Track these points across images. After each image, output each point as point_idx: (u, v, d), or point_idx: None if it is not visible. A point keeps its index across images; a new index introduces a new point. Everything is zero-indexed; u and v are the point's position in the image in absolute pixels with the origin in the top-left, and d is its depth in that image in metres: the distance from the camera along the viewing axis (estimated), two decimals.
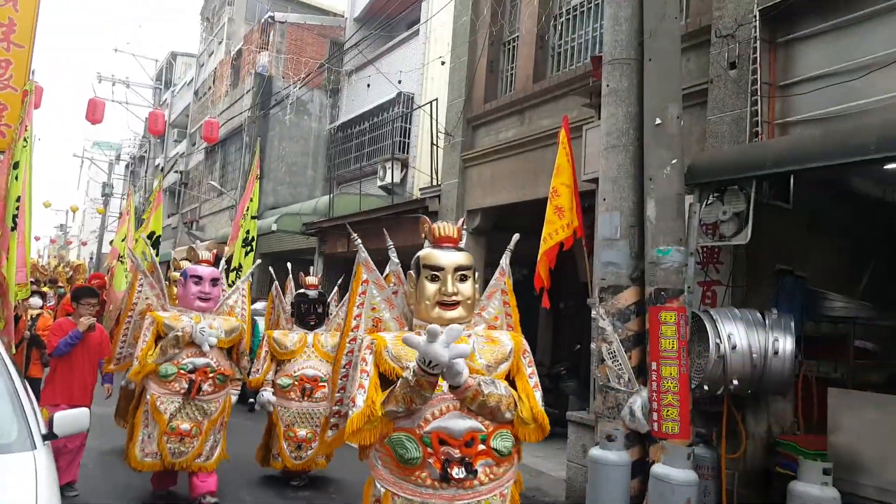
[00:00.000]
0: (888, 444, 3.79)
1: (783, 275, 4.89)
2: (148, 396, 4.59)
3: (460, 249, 2.76)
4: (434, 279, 2.62)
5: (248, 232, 9.11)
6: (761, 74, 4.96)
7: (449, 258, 2.65)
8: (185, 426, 4.57)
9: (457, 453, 2.35)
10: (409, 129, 12.09)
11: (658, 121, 4.59)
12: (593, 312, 4.92)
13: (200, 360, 4.64)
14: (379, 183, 11.86)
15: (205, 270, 4.75)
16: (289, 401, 5.36)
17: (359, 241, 3.10)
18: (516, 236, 3.22)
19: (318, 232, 12.43)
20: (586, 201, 5.81)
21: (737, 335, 4.35)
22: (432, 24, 11.10)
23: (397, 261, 2.94)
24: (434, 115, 10.05)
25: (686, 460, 4.13)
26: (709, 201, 4.61)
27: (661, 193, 4.56)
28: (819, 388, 4.66)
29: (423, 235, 2.83)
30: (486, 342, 2.66)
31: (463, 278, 2.64)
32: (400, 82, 11.74)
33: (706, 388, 4.47)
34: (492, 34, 8.85)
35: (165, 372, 4.55)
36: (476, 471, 2.37)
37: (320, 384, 5.26)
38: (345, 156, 14.70)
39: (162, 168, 25.52)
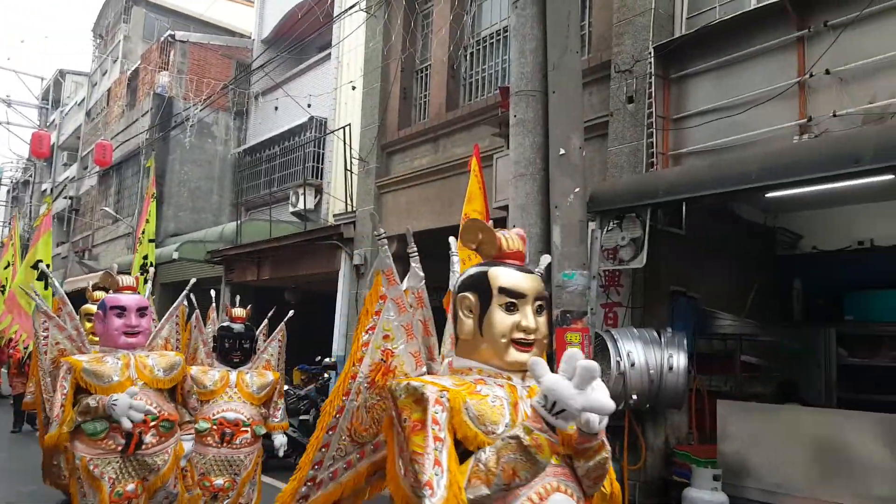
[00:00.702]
0: (770, 449, 4.12)
1: (677, 296, 5.25)
2: (77, 462, 3.68)
3: (530, 271, 1.97)
4: (511, 309, 1.85)
5: (145, 257, 8.57)
6: (656, 108, 5.35)
7: (530, 283, 1.88)
8: (130, 486, 3.74)
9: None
10: (323, 154, 12.02)
11: (562, 151, 4.85)
12: None
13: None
14: (291, 209, 11.67)
15: (129, 299, 3.98)
16: (205, 447, 4.64)
17: (383, 232, 2.40)
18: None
19: (224, 260, 12.03)
20: (498, 227, 5.99)
21: (635, 353, 4.62)
22: (344, 47, 11.16)
23: (421, 273, 2.27)
24: (348, 141, 10.06)
25: None
26: (609, 227, 4.90)
27: (565, 220, 4.80)
28: (711, 401, 5.01)
29: (472, 245, 2.02)
30: None
31: (540, 310, 1.90)
32: (310, 106, 11.68)
33: None
34: (404, 61, 9.02)
35: (94, 430, 3.66)
36: None
37: (242, 429, 4.62)
38: (254, 180, 14.36)
39: (50, 192, 23.95)
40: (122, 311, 3.88)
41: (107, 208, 17.87)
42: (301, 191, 11.35)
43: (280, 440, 4.85)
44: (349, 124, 10.13)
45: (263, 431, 4.40)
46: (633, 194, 4.71)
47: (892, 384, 5.25)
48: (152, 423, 3.80)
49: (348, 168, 9.98)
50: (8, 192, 33.25)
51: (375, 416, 2.09)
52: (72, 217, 21.53)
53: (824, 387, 5.82)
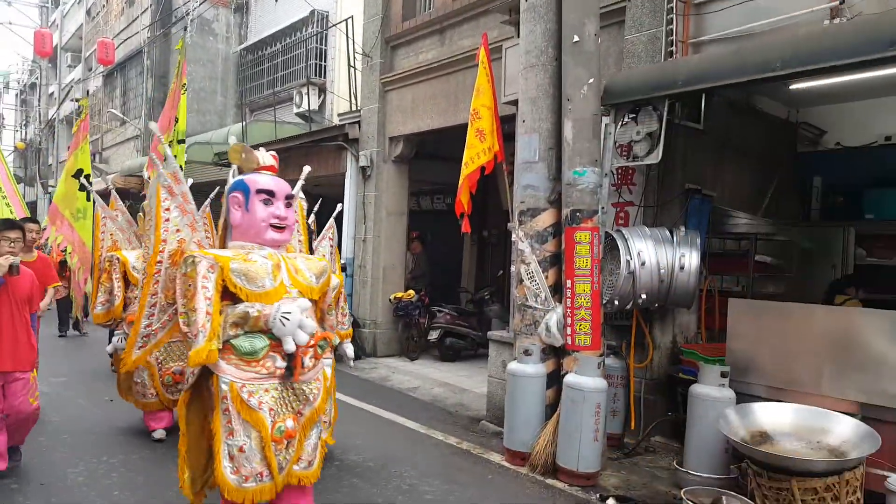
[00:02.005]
0: (779, 347, 4.08)
1: (692, 194, 5.06)
2: (224, 387, 2.77)
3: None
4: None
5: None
6: None
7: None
8: (290, 423, 2.88)
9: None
10: (325, 50, 11.51)
11: (576, 38, 4.53)
12: (513, 236, 4.97)
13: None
14: (295, 110, 11.33)
15: (277, 183, 3.04)
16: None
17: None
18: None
19: (223, 162, 11.86)
20: (507, 125, 5.75)
21: (646, 252, 4.51)
22: None
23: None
24: (350, 35, 9.59)
25: (597, 370, 4.33)
26: (624, 122, 4.65)
27: (578, 114, 4.56)
28: (721, 301, 4.94)
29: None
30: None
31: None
32: None
33: (617, 303, 4.66)
34: None
35: (251, 348, 2.80)
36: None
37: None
38: (257, 80, 13.90)
39: (64, 95, 23.50)
40: (270, 196, 2.97)
41: (114, 110, 17.53)
42: (304, 90, 10.98)
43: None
44: (351, 17, 9.62)
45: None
46: (650, 85, 4.43)
47: None
48: (310, 343, 2.94)
49: (351, 64, 9.57)
50: (16, 95, 32.70)
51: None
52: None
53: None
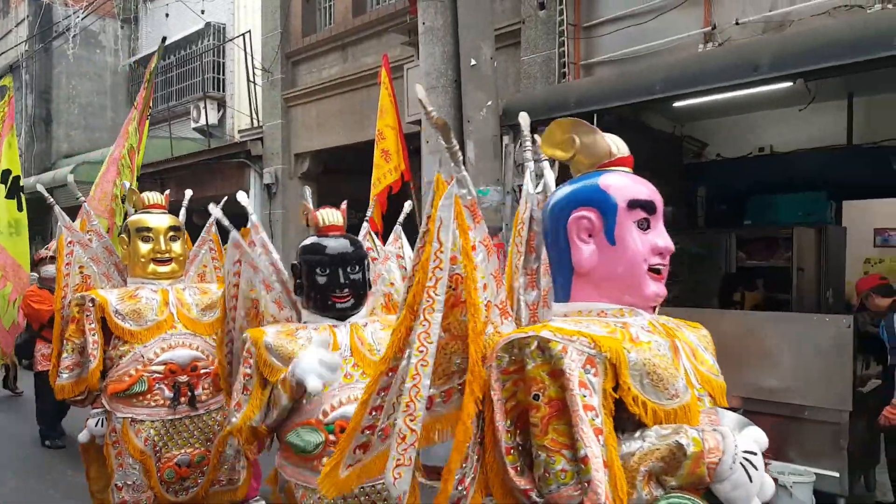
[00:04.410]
0: None
1: None
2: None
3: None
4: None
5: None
6: (567, 15, 5.23)
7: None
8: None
9: None
10: (223, 63, 11.22)
11: (473, 61, 4.68)
12: None
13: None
14: (193, 125, 10.96)
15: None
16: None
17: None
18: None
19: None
20: (412, 143, 5.85)
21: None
22: None
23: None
24: (249, 50, 9.40)
25: None
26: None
27: (479, 135, 4.71)
28: None
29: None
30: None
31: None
32: (203, 12, 10.77)
33: None
34: None
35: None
36: None
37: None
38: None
39: None
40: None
41: None
42: (202, 105, 10.65)
43: None
44: (249, 31, 9.43)
45: None
46: (545, 107, 4.65)
47: (786, 283, 5.63)
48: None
49: (251, 79, 9.39)
50: None
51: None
52: None
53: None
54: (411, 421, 1.38)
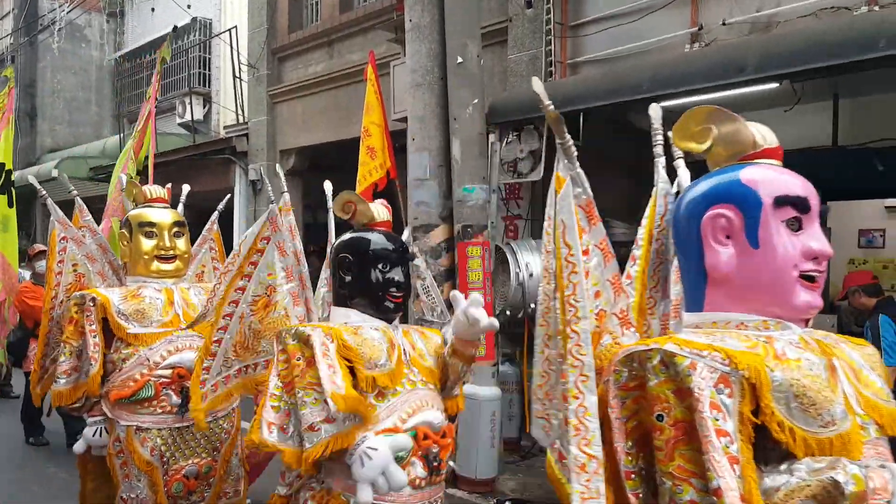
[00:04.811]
0: None
1: None
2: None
3: None
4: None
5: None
6: (554, 14, 5.21)
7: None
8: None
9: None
10: (209, 59, 11.12)
11: (459, 59, 4.66)
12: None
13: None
14: (178, 120, 10.85)
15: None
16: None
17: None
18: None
19: (109, 177, 11.18)
20: (398, 141, 5.81)
21: (534, 264, 4.70)
22: None
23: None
24: (235, 45, 9.32)
25: (491, 378, 4.50)
26: (508, 140, 4.83)
27: (465, 133, 4.68)
28: None
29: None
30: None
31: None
32: (189, 7, 10.68)
33: (509, 312, 4.83)
34: None
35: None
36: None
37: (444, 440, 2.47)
38: (135, 89, 13.17)
39: None
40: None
41: None
42: (188, 100, 10.55)
43: None
44: (235, 27, 9.35)
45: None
46: (531, 105, 4.62)
47: None
48: None
49: (237, 75, 9.30)
50: None
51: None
52: None
53: None
54: (586, 446, 1.19)
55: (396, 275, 2.01)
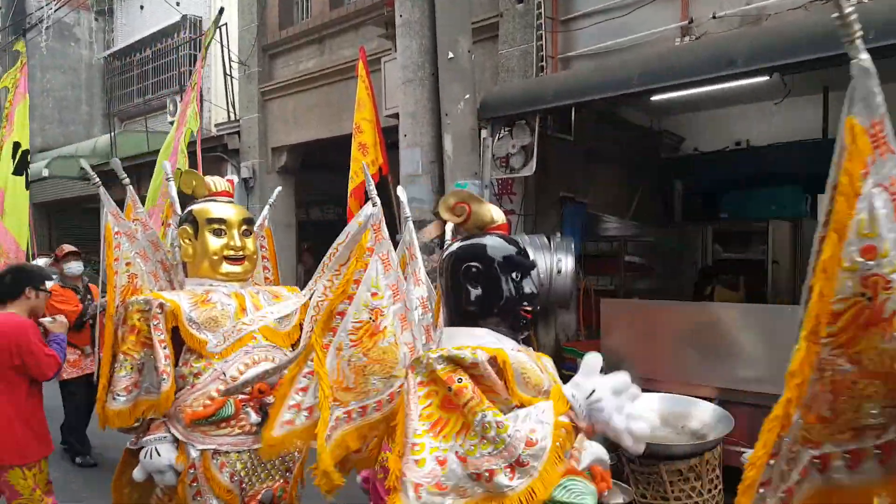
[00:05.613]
0: (647, 341, 4.40)
1: (566, 201, 5.35)
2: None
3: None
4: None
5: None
6: (545, 9, 5.21)
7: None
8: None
9: None
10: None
11: (450, 55, 4.65)
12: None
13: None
14: (169, 118, 10.78)
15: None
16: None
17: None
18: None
19: (100, 176, 11.10)
20: (390, 137, 5.80)
21: None
22: None
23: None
24: (226, 43, 9.28)
25: None
26: (500, 135, 4.83)
27: (456, 129, 4.68)
28: (598, 300, 5.25)
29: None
30: None
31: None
32: (178, 4, 10.63)
33: None
34: None
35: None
36: None
37: None
38: (126, 88, 13.12)
39: None
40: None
41: None
42: (179, 98, 10.49)
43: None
44: (225, 24, 9.29)
45: None
46: (522, 100, 4.64)
47: (760, 276, 5.70)
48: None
49: (227, 73, 9.27)
50: None
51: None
52: None
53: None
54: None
55: (528, 286, 1.77)
